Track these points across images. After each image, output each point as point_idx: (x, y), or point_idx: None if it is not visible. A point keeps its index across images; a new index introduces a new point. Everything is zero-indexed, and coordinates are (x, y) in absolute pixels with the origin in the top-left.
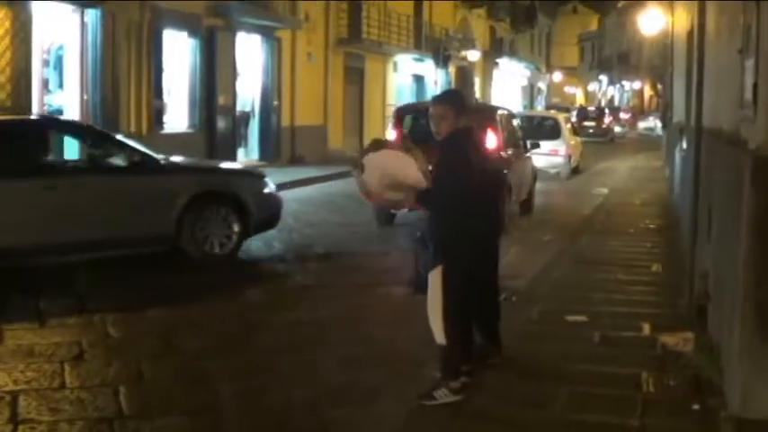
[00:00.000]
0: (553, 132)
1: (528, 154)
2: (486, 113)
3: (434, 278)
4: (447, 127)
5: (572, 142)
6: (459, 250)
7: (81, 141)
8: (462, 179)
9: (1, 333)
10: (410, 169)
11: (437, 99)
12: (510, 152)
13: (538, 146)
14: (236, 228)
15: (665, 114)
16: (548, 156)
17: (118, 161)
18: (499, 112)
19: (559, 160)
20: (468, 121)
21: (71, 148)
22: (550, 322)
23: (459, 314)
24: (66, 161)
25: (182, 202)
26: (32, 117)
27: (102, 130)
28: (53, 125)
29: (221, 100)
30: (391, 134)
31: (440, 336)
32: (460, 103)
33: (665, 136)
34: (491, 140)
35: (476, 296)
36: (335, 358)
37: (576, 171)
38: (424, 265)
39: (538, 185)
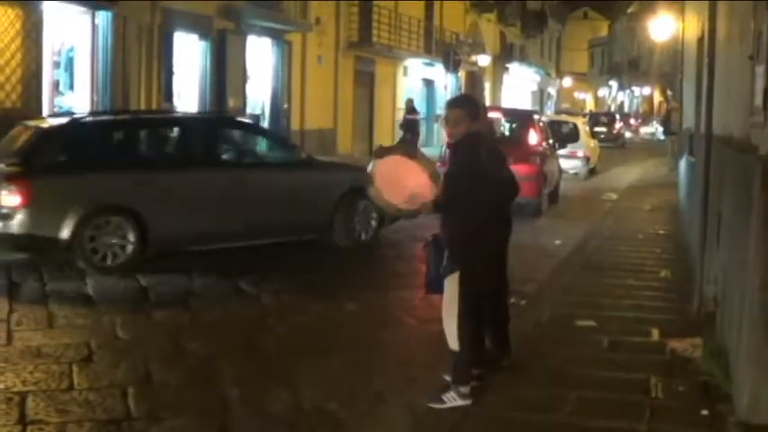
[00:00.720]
0: (573, 136)
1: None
2: (528, 116)
3: (451, 284)
4: (461, 131)
5: (591, 145)
6: (476, 255)
7: (261, 140)
8: (477, 183)
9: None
10: (418, 176)
11: (452, 103)
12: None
13: (563, 146)
14: (374, 218)
15: (667, 119)
16: (567, 157)
17: (290, 158)
18: (535, 116)
19: (578, 162)
20: (481, 126)
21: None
22: (559, 326)
23: (474, 320)
24: (249, 157)
25: (337, 195)
26: (226, 116)
27: (275, 132)
28: (240, 125)
29: (231, 103)
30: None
31: (453, 341)
32: (475, 108)
33: (668, 140)
34: (534, 137)
35: (488, 300)
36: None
37: (592, 172)
38: (436, 265)
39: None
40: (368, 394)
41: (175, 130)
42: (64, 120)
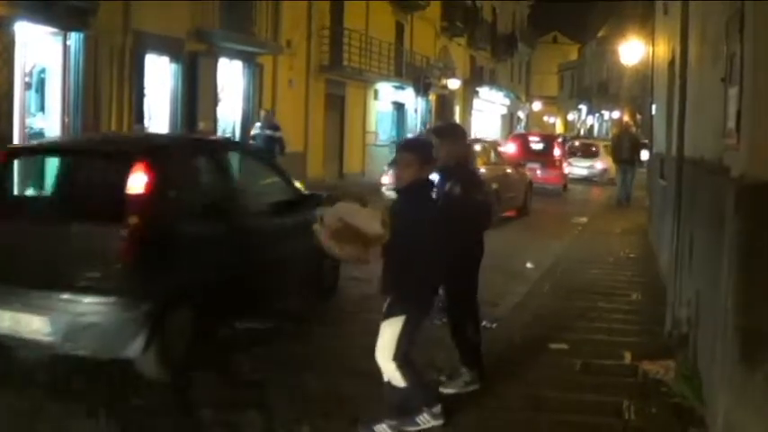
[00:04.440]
0: (595, 153)
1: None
2: (554, 137)
3: (392, 327)
4: (410, 175)
5: (608, 160)
6: (414, 303)
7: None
8: (419, 232)
9: None
10: (371, 221)
11: (403, 146)
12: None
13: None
14: None
15: (617, 145)
16: (591, 168)
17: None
18: (559, 138)
19: (597, 171)
20: (460, 152)
21: None
22: (532, 349)
23: (408, 355)
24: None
25: None
26: None
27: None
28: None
29: (202, 125)
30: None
31: (398, 379)
32: (428, 154)
33: (619, 173)
34: (557, 152)
35: (460, 322)
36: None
37: (611, 180)
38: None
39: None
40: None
41: None
42: None
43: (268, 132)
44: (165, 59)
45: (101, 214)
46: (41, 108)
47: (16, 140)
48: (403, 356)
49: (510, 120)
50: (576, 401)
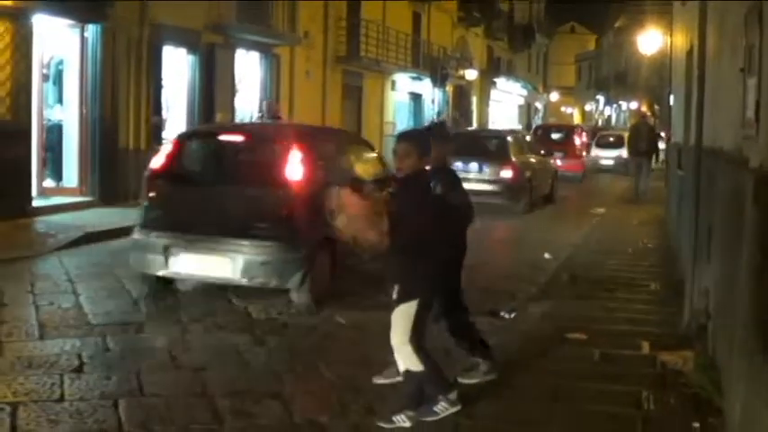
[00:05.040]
0: (621, 143)
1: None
2: (574, 128)
3: (405, 311)
4: (409, 165)
5: None
6: (427, 286)
7: None
8: (423, 220)
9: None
10: (380, 205)
11: (403, 136)
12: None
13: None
14: None
15: (634, 136)
16: (617, 159)
17: None
18: (578, 129)
19: (623, 161)
20: (440, 153)
21: None
22: (549, 340)
23: (423, 340)
24: None
25: None
26: None
27: None
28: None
29: (219, 116)
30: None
31: (415, 363)
32: (426, 145)
33: (631, 164)
34: (578, 141)
35: (458, 318)
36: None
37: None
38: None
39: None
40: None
41: None
42: None
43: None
44: (182, 51)
45: (268, 181)
46: (59, 100)
47: (34, 132)
48: (419, 339)
49: (527, 110)
50: (594, 391)
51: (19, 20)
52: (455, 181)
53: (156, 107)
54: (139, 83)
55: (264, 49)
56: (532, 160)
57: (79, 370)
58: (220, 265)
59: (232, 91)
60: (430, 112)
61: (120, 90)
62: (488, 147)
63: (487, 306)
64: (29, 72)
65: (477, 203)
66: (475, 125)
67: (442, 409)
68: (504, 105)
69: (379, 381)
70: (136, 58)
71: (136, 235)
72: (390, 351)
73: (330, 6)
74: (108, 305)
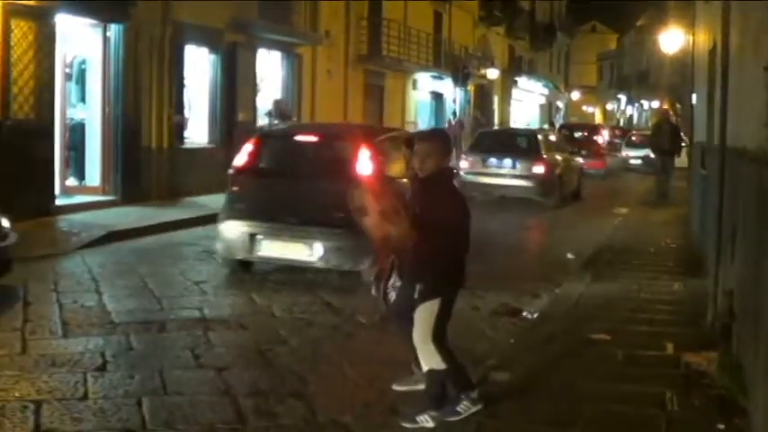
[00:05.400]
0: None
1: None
2: (597, 126)
3: (428, 309)
4: (430, 166)
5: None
6: (453, 284)
7: None
8: (446, 220)
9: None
10: (401, 198)
11: (422, 136)
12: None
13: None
14: None
15: (656, 134)
16: (646, 158)
17: None
18: (599, 128)
19: (652, 160)
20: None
21: None
22: (573, 340)
23: (445, 339)
24: None
25: None
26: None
27: None
28: None
29: (241, 116)
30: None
31: (438, 361)
32: (446, 144)
33: (657, 163)
34: (601, 140)
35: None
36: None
37: None
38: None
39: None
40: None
41: None
42: None
43: (277, 123)
44: (204, 50)
45: (341, 175)
46: (82, 99)
47: (57, 131)
48: (441, 338)
49: (549, 109)
50: (617, 392)
51: (42, 19)
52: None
53: (179, 106)
54: (162, 82)
55: (286, 49)
56: (562, 157)
57: (103, 368)
58: (300, 250)
59: (254, 90)
60: (451, 111)
61: (143, 89)
62: (521, 144)
63: (511, 306)
64: (52, 71)
65: (511, 198)
66: (496, 124)
67: (465, 408)
68: (526, 104)
69: (397, 388)
70: (158, 57)
71: (221, 225)
72: (411, 358)
73: (351, 5)
74: (131, 304)
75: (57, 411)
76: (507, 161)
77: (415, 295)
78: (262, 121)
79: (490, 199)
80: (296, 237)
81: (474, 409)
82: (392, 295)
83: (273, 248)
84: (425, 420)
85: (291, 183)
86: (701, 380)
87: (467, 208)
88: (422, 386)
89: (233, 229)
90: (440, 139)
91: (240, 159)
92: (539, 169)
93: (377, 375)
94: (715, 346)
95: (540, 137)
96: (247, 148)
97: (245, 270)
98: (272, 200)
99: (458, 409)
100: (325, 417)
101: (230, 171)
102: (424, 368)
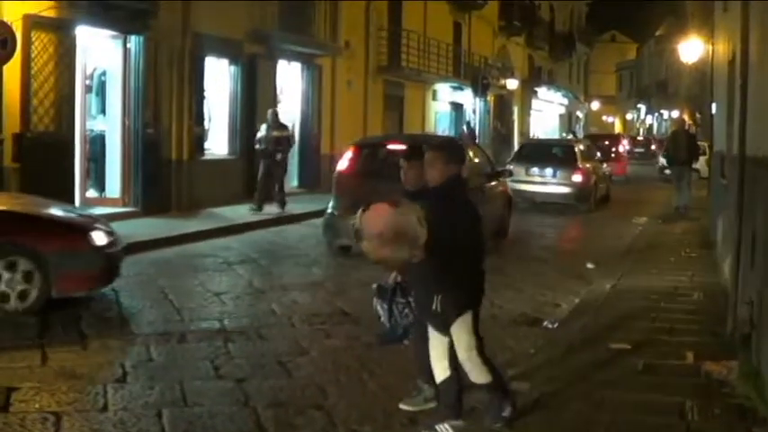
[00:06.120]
0: None
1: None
2: (618, 136)
3: (465, 323)
4: (436, 175)
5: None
6: (479, 292)
7: None
8: (460, 229)
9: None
10: (408, 220)
11: (432, 145)
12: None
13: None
14: None
15: (672, 148)
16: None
17: None
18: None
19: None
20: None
21: None
22: (593, 350)
23: (484, 354)
24: None
25: None
26: None
27: None
28: None
29: (263, 128)
30: None
31: (485, 375)
32: (453, 152)
33: (673, 172)
34: (622, 148)
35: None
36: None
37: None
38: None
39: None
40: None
41: None
42: None
43: (275, 134)
44: (224, 62)
45: None
46: (102, 110)
47: (77, 142)
48: (483, 349)
49: (568, 119)
50: (638, 402)
51: (62, 31)
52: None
53: (199, 117)
54: (181, 94)
55: (306, 60)
56: (594, 166)
57: (122, 380)
58: None
59: (274, 101)
60: (471, 122)
61: (163, 101)
62: (559, 154)
63: (531, 315)
64: (72, 83)
65: (551, 203)
66: (516, 135)
67: (509, 413)
68: (545, 114)
69: (404, 407)
70: (178, 68)
71: (328, 217)
72: (418, 374)
73: (371, 16)
74: (151, 315)
75: (77, 423)
76: (548, 170)
77: (436, 308)
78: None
79: (531, 205)
80: None
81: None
82: (398, 313)
83: None
84: (445, 429)
85: (386, 183)
86: (721, 389)
87: (478, 214)
88: (432, 404)
89: (339, 222)
90: (445, 148)
91: (342, 164)
92: (577, 177)
93: (397, 386)
94: (735, 355)
95: (576, 147)
96: (348, 155)
97: (345, 253)
98: (369, 196)
99: (504, 414)
100: (345, 428)
101: (334, 174)
102: (439, 379)
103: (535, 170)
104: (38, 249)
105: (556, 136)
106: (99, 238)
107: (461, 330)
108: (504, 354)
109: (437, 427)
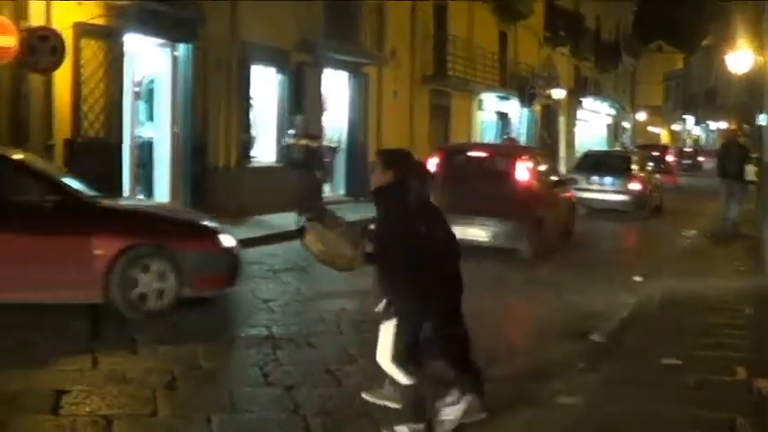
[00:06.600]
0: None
1: None
2: (666, 147)
3: (393, 329)
4: (375, 179)
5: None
6: (411, 304)
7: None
8: (402, 232)
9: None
10: (339, 243)
11: (378, 153)
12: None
13: None
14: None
15: (723, 161)
16: None
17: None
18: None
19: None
20: (420, 190)
21: None
22: (643, 364)
23: (412, 354)
24: None
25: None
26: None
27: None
28: None
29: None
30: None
31: (401, 378)
32: (391, 159)
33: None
34: (670, 158)
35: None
36: None
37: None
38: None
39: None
40: None
41: None
42: None
43: (304, 142)
44: (271, 70)
45: (504, 181)
46: (150, 117)
47: (126, 148)
48: (406, 357)
49: (614, 130)
50: (689, 418)
51: (111, 39)
52: (434, 217)
53: (246, 125)
54: (229, 101)
55: (353, 69)
56: (648, 175)
57: (172, 386)
58: (477, 233)
59: (320, 110)
60: (516, 132)
61: (211, 108)
62: (617, 164)
63: (579, 328)
64: (120, 90)
65: (609, 210)
66: (562, 146)
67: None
68: (592, 125)
69: (366, 397)
70: (225, 76)
71: None
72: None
73: (417, 26)
74: (199, 321)
75: (127, 427)
76: (608, 179)
77: (378, 309)
78: (329, 140)
79: (590, 211)
80: (474, 223)
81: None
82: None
83: (457, 232)
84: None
85: (466, 184)
86: None
87: (418, 225)
88: (391, 404)
89: None
90: (384, 154)
91: (430, 167)
92: (635, 186)
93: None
94: None
95: (633, 158)
96: (434, 160)
97: None
98: (455, 196)
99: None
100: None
101: None
102: (402, 382)
103: (595, 179)
104: (174, 250)
105: (603, 147)
106: (227, 240)
107: (389, 332)
108: (552, 367)
109: (396, 428)
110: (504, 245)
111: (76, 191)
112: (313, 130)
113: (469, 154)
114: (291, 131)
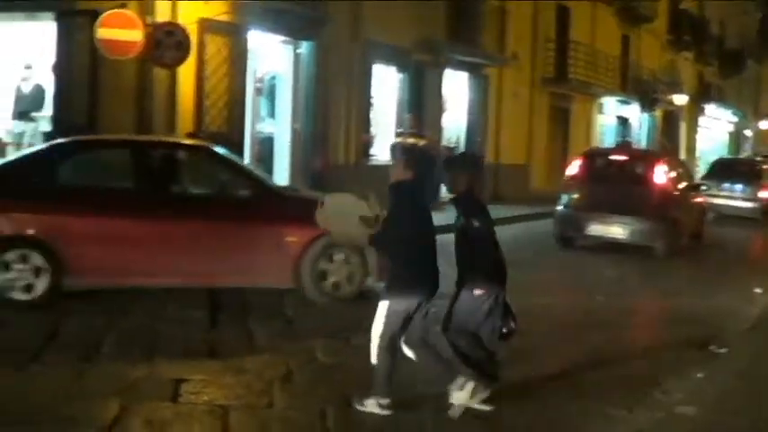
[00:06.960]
0: None
1: None
2: (756, 162)
3: (383, 310)
4: (393, 175)
5: None
6: (400, 290)
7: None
8: (401, 226)
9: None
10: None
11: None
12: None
13: None
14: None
15: None
16: None
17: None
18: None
19: None
20: (467, 181)
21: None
22: (764, 378)
23: (391, 343)
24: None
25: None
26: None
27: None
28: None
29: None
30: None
31: (375, 358)
32: (410, 158)
33: None
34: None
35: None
36: None
37: None
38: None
39: None
40: None
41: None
42: None
43: (411, 141)
44: (392, 69)
45: (644, 182)
46: (271, 114)
47: (247, 143)
48: (391, 338)
49: (736, 138)
50: None
51: (235, 35)
52: (477, 209)
53: (366, 124)
54: (350, 99)
55: (474, 70)
56: None
57: (287, 379)
58: (617, 230)
59: (440, 110)
60: (637, 137)
61: (331, 106)
62: (748, 172)
63: (699, 338)
64: (243, 86)
65: (736, 216)
66: (683, 152)
67: (371, 405)
68: (713, 132)
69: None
70: (347, 75)
71: (559, 213)
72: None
73: (539, 28)
74: (315, 316)
75: (243, 417)
76: (737, 186)
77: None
78: (448, 140)
79: (719, 217)
80: (614, 222)
81: (377, 411)
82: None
83: (599, 229)
84: (370, 405)
85: (608, 185)
86: None
87: (414, 221)
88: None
89: (572, 216)
90: (404, 153)
91: (572, 170)
92: (765, 194)
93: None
94: None
95: (765, 166)
96: (577, 162)
97: (567, 245)
98: (596, 196)
99: (366, 402)
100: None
101: (565, 178)
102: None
103: (725, 185)
104: None
105: (723, 155)
106: None
107: (379, 313)
108: (671, 377)
109: (364, 401)
110: (641, 242)
111: (269, 183)
112: (427, 129)
113: (611, 157)
114: (399, 130)
